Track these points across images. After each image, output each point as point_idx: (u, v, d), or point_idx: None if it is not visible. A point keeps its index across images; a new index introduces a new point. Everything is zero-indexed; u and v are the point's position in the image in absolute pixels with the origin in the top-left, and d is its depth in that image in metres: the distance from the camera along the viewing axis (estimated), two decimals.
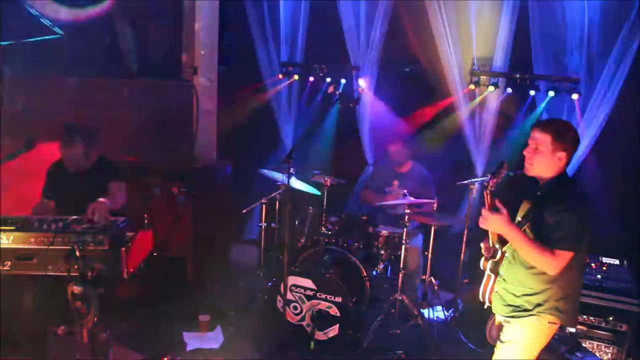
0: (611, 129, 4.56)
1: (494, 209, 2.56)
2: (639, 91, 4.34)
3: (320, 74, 5.74)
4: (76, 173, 3.56)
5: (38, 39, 4.05)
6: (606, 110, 4.50)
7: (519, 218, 2.69)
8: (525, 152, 2.61)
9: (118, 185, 3.48)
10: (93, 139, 3.55)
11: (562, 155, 2.53)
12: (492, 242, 2.73)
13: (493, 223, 2.56)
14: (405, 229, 4.25)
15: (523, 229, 2.59)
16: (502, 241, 2.70)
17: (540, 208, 2.55)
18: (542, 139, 2.54)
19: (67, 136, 3.46)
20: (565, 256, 2.44)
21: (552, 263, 2.45)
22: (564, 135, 2.54)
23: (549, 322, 2.57)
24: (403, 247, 4.26)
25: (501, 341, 2.71)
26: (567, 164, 2.59)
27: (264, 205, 4.75)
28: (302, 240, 4.63)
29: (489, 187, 2.59)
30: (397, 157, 4.87)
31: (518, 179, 2.77)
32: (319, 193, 4.54)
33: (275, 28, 5.90)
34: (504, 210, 2.54)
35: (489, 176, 2.61)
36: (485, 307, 2.83)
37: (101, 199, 3.15)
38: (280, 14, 5.82)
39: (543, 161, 2.55)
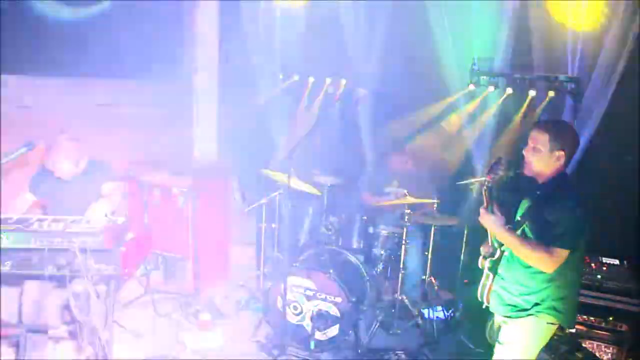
0: (610, 128, 4.56)
1: (490, 209, 2.59)
2: (637, 89, 4.34)
3: (321, 74, 5.74)
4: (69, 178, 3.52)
5: None
6: (604, 108, 4.49)
7: (518, 217, 2.70)
8: (524, 152, 2.63)
9: (114, 186, 3.46)
10: (78, 155, 3.46)
11: (561, 154, 2.54)
12: (491, 241, 2.74)
13: (487, 223, 2.60)
14: (405, 229, 4.24)
15: (522, 227, 2.60)
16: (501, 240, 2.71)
17: (539, 207, 2.56)
18: (540, 139, 2.56)
19: (51, 155, 3.38)
20: (560, 254, 2.45)
21: (548, 261, 2.46)
22: (562, 135, 2.56)
23: (547, 322, 2.57)
24: (403, 247, 4.26)
25: (500, 342, 2.71)
26: (566, 164, 2.60)
27: (263, 205, 4.74)
28: (302, 241, 4.63)
29: (486, 184, 2.61)
30: (399, 166, 4.86)
31: (518, 179, 2.77)
32: (319, 193, 4.54)
33: (275, 28, 5.89)
34: (500, 216, 2.57)
35: (486, 172, 2.63)
36: (484, 306, 2.83)
37: (101, 199, 3.16)
38: (278, 14, 5.81)
39: (542, 160, 2.57)
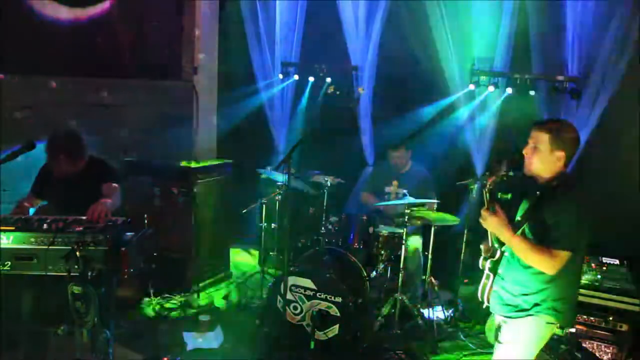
0: (610, 128, 4.57)
1: (492, 209, 2.57)
2: (636, 88, 4.35)
3: (320, 74, 5.74)
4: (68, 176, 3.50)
5: None
6: (604, 108, 4.50)
7: (518, 218, 2.69)
8: (524, 152, 2.62)
9: (112, 186, 3.44)
10: (77, 150, 3.42)
11: (561, 154, 2.53)
12: (491, 241, 2.74)
13: (490, 224, 2.58)
14: (405, 229, 4.24)
15: (522, 228, 2.59)
16: (501, 241, 2.70)
17: (539, 208, 2.55)
18: (540, 138, 2.55)
19: (51, 152, 3.34)
20: (563, 256, 2.44)
21: (550, 263, 2.45)
22: (562, 134, 2.55)
23: (546, 322, 2.57)
24: (403, 247, 4.26)
25: (500, 342, 2.71)
26: (566, 164, 2.59)
27: (264, 205, 4.75)
28: (302, 240, 4.63)
29: (488, 185, 2.60)
30: (399, 162, 4.86)
31: (518, 179, 2.77)
32: (318, 193, 4.54)
33: (274, 28, 5.90)
34: (501, 214, 2.56)
35: (487, 174, 2.62)
36: (484, 306, 2.83)
37: (102, 200, 3.15)
38: (278, 14, 5.82)
39: (542, 160, 2.56)
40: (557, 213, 2.46)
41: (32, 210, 3.48)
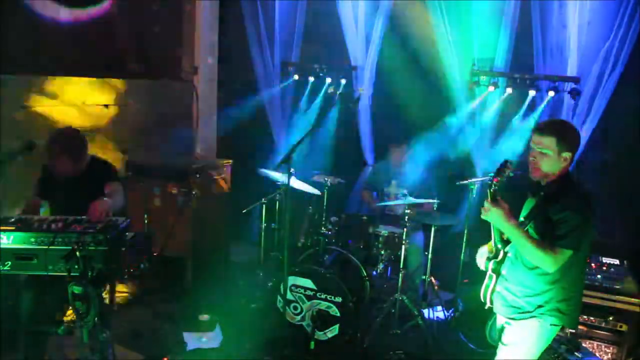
0: (610, 128, 4.57)
1: (494, 201, 2.56)
2: (636, 89, 4.35)
3: (320, 74, 5.74)
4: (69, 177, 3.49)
5: None
6: (604, 109, 4.50)
7: (522, 218, 2.69)
8: (531, 157, 2.58)
9: (115, 186, 3.44)
10: (80, 151, 3.39)
11: (568, 155, 2.52)
12: (495, 241, 2.73)
13: (493, 216, 2.55)
14: (405, 229, 4.24)
15: (526, 228, 2.59)
16: (505, 241, 2.70)
17: (543, 208, 2.54)
18: (547, 142, 2.52)
19: (53, 152, 3.29)
20: (564, 254, 2.44)
21: (551, 260, 2.44)
22: (568, 135, 2.54)
23: (550, 324, 2.56)
24: (403, 247, 4.26)
25: (502, 343, 2.70)
26: (570, 163, 2.59)
27: (264, 205, 4.74)
28: (302, 240, 4.63)
29: (493, 186, 2.58)
30: (398, 160, 4.87)
31: (519, 180, 2.76)
32: (319, 193, 4.54)
33: (274, 28, 5.89)
34: (505, 205, 2.54)
35: (493, 174, 2.59)
36: (487, 307, 2.83)
37: (102, 199, 3.14)
38: (278, 14, 5.82)
39: (550, 164, 2.53)
40: (561, 212, 2.45)
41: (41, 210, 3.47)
